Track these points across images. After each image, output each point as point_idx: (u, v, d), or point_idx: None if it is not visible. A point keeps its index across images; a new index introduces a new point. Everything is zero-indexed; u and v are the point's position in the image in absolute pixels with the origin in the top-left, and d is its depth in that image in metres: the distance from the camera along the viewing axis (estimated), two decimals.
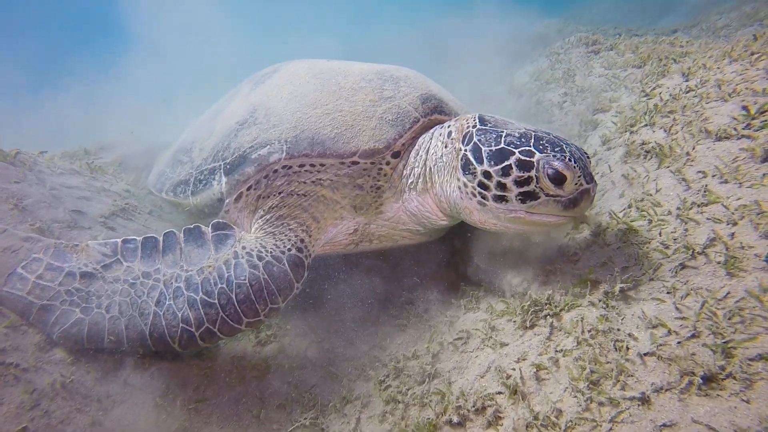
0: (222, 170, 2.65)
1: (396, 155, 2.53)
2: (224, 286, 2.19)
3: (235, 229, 2.44)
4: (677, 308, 1.76)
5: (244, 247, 2.32)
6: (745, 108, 2.39)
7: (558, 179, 2.01)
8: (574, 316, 1.97)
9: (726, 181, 2.11)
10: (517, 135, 2.16)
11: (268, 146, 2.53)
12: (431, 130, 2.59)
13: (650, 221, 2.19)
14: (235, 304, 2.16)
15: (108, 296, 2.19)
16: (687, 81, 3.16)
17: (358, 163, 2.49)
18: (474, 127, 2.28)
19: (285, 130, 2.55)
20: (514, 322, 2.12)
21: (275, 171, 2.53)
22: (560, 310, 2.04)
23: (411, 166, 2.54)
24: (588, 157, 2.26)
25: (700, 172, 2.25)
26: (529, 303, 2.11)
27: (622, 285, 1.95)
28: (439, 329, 2.34)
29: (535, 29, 10.15)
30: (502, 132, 2.19)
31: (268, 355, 2.48)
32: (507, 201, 2.11)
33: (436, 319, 2.39)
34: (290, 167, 2.51)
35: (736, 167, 2.13)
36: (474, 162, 2.16)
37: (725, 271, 1.78)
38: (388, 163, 2.53)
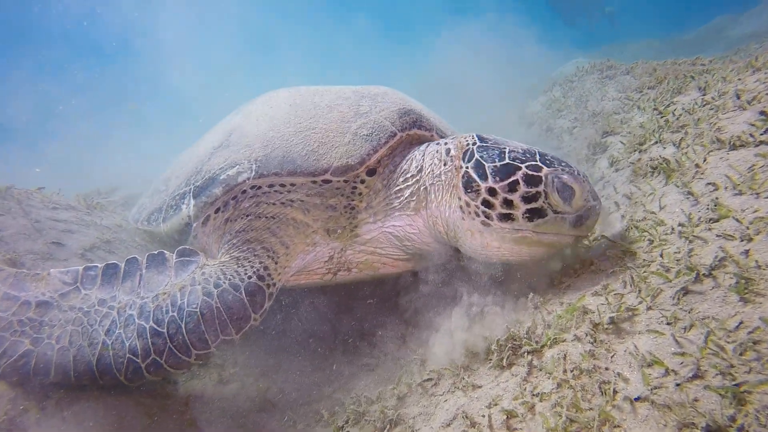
0: (191, 193, 2.54)
1: (371, 173, 2.37)
2: (175, 314, 2.01)
3: (200, 255, 2.29)
4: (677, 342, 1.42)
5: (203, 273, 2.14)
6: (763, 113, 2.07)
7: (567, 194, 1.91)
8: (556, 353, 1.65)
9: (740, 193, 1.79)
10: (521, 151, 2.05)
11: (237, 166, 2.41)
12: (422, 147, 2.42)
13: (651, 241, 1.87)
14: (184, 333, 1.97)
15: (61, 326, 2.04)
16: (704, 95, 2.86)
17: (331, 181, 2.33)
18: (474, 144, 2.14)
19: (256, 149, 2.44)
20: (490, 360, 1.81)
21: (243, 192, 2.40)
22: (542, 346, 1.72)
23: (397, 186, 2.35)
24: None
25: (710, 184, 1.93)
26: (506, 338, 1.80)
27: (612, 315, 1.63)
28: (410, 369, 2.04)
29: (563, 68, 10.01)
30: (505, 148, 2.06)
31: (227, 396, 2.26)
32: (513, 219, 1.94)
33: (407, 358, 2.10)
34: (259, 187, 2.38)
35: (751, 176, 1.80)
36: (477, 179, 2.00)
37: (737, 296, 1.44)
38: (363, 182, 2.36)
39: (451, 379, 1.85)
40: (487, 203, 1.97)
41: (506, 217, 1.95)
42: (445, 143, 2.30)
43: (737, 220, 1.67)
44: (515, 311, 1.96)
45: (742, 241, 1.60)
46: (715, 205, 1.78)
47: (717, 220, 1.74)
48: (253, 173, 2.35)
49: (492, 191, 1.96)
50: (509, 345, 1.78)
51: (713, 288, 1.52)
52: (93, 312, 2.09)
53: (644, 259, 1.81)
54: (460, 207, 2.07)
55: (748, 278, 1.46)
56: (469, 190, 2.03)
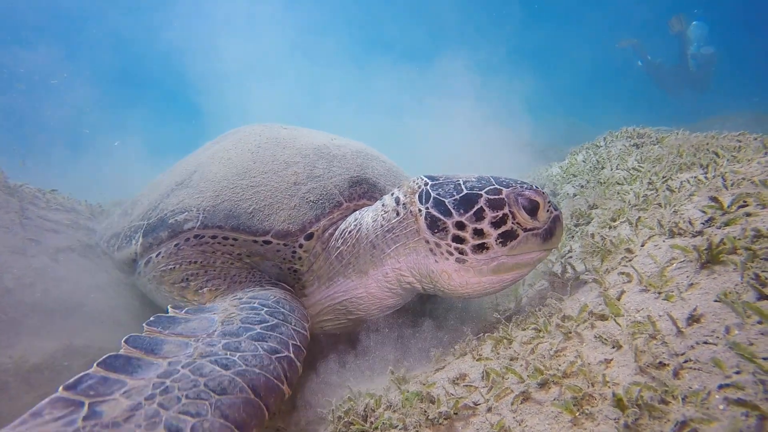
0: (142, 230, 2.57)
1: (309, 237, 2.28)
2: (268, 308, 1.82)
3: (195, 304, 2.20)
4: None
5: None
6: (714, 199, 1.72)
7: (532, 209, 1.87)
8: None
9: (645, 289, 1.47)
10: (475, 179, 1.97)
11: (186, 213, 2.42)
12: (361, 210, 2.33)
13: (537, 330, 1.59)
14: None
15: None
16: (704, 173, 2.47)
17: (271, 242, 2.28)
18: (426, 184, 2.02)
19: (207, 197, 2.44)
20: (331, 422, 1.62)
21: (187, 240, 2.38)
22: (374, 429, 1.50)
23: (337, 249, 2.24)
24: None
25: (623, 274, 1.62)
26: (345, 410, 1.60)
27: (444, 410, 1.38)
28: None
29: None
30: (459, 180, 1.98)
31: None
32: (487, 248, 1.84)
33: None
34: (202, 236, 2.35)
35: (660, 272, 1.48)
36: (441, 216, 1.90)
37: (569, 417, 1.15)
38: (301, 246, 2.27)
39: None
40: (457, 238, 1.86)
41: (480, 248, 1.84)
42: (392, 194, 2.18)
43: (617, 323, 1.36)
44: (373, 379, 1.75)
45: (613, 347, 1.30)
46: (607, 301, 1.47)
47: (605, 319, 1.44)
48: (199, 223, 2.34)
49: (460, 225, 1.86)
50: (346, 419, 1.58)
51: (555, 399, 1.24)
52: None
53: (516, 351, 1.53)
54: (431, 250, 1.94)
55: (589, 395, 1.17)
56: (435, 231, 1.91)
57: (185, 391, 1.32)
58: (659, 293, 1.41)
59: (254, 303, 1.87)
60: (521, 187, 1.90)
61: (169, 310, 1.84)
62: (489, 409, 1.35)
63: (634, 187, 2.92)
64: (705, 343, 1.15)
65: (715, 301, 1.25)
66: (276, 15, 23.48)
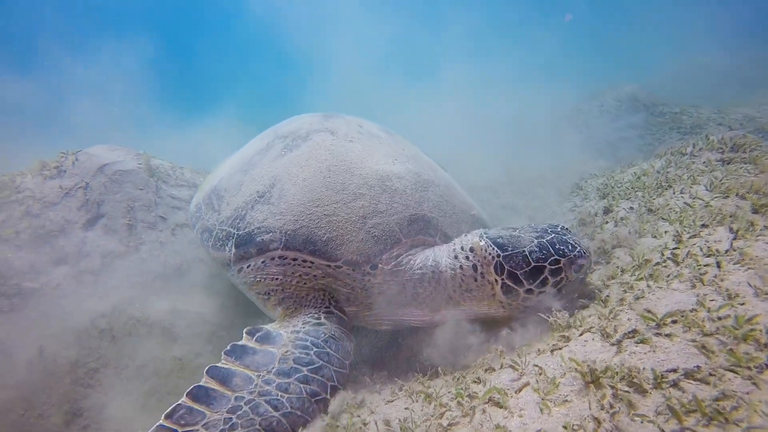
0: (234, 240, 3.10)
1: (374, 267, 2.84)
2: (317, 349, 2.45)
3: (267, 327, 2.70)
4: None
5: (294, 338, 2.56)
6: (649, 311, 1.79)
7: (579, 268, 2.47)
8: None
9: (536, 391, 1.72)
10: (537, 248, 2.50)
11: (271, 234, 2.95)
12: (433, 254, 2.86)
13: (453, 396, 1.94)
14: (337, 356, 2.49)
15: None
16: (732, 239, 2.34)
17: (342, 267, 2.86)
18: (499, 256, 2.55)
19: (288, 221, 2.95)
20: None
21: (272, 258, 2.95)
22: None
23: (415, 290, 2.82)
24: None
25: (537, 366, 1.85)
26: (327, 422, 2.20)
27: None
28: None
29: None
30: (524, 250, 2.51)
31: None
32: (545, 296, 2.49)
33: None
34: (285, 258, 2.93)
35: (554, 378, 1.70)
36: (515, 286, 2.50)
37: None
38: (369, 273, 2.85)
39: None
40: (525, 299, 2.51)
41: (539, 299, 2.48)
42: (466, 257, 2.69)
43: (491, 417, 1.67)
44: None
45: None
46: (500, 394, 1.76)
47: (500, 407, 1.74)
48: (282, 245, 2.90)
49: (529, 291, 2.49)
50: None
51: None
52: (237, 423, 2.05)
53: (431, 410, 1.93)
54: (503, 307, 2.60)
55: None
56: (510, 295, 2.54)
57: (245, 428, 2.02)
58: (541, 399, 1.66)
59: (307, 342, 2.49)
60: (575, 256, 2.45)
61: (243, 336, 2.58)
62: None
63: (672, 229, 2.80)
64: None
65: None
66: None
